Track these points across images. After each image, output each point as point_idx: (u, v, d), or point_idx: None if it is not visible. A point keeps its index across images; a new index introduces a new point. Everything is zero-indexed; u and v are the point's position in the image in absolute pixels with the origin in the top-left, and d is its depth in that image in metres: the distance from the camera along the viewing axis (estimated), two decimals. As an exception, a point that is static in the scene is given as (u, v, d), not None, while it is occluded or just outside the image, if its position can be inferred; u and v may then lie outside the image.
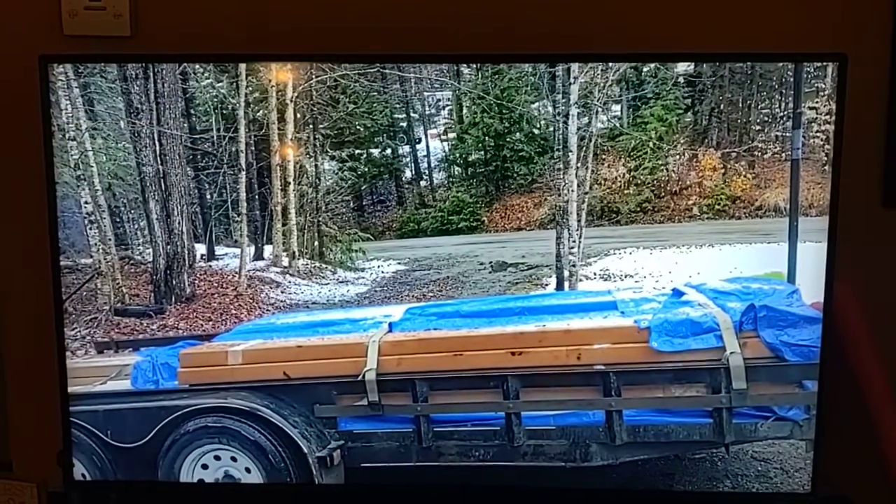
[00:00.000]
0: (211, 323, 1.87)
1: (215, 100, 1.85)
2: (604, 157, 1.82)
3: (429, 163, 1.92)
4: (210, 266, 1.90)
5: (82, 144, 1.83)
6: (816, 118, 1.73)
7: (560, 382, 1.79)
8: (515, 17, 1.84)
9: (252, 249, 1.91)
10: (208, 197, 1.88)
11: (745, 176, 1.80)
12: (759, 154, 1.79)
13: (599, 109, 1.81)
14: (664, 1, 1.84)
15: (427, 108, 1.90)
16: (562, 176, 1.83)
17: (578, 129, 1.81)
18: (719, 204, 1.81)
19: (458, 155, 1.90)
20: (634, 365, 1.78)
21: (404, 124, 1.91)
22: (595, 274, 1.86)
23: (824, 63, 1.71)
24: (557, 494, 1.87)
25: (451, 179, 1.91)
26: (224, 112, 1.85)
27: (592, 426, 1.80)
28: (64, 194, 1.81)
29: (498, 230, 1.90)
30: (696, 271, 1.81)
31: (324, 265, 1.91)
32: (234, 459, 1.86)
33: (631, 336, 1.78)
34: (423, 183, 1.93)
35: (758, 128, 1.81)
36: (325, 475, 1.84)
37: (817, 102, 1.72)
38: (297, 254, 1.91)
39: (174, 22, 1.89)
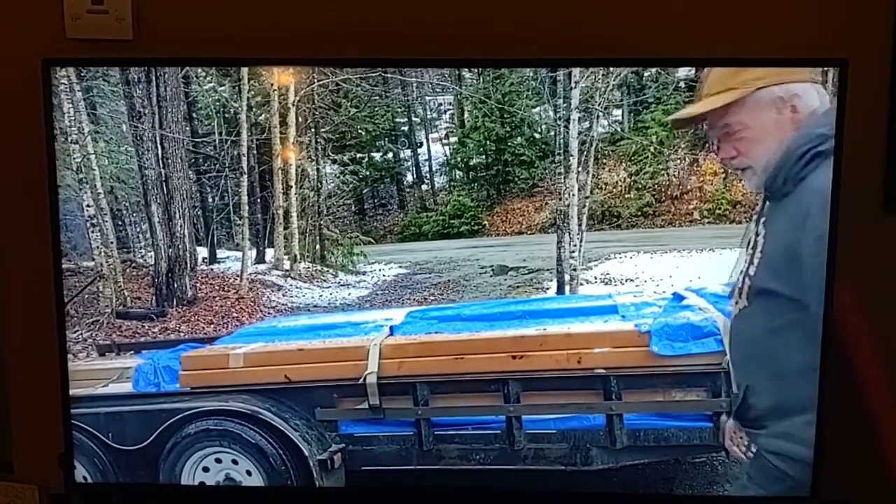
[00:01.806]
0: (212, 326, 1.88)
1: (217, 103, 1.86)
2: (605, 161, 1.83)
3: (430, 167, 1.92)
4: (212, 269, 1.91)
5: (84, 148, 1.83)
6: (817, 123, 1.73)
7: (561, 386, 1.79)
8: (517, 22, 1.85)
9: (254, 253, 1.92)
10: (210, 200, 1.88)
11: (746, 181, 1.80)
12: (760, 159, 1.79)
13: (600, 114, 1.81)
14: (665, 6, 1.84)
15: (429, 113, 1.90)
16: (563, 180, 1.83)
17: (579, 133, 1.81)
18: (720, 208, 1.81)
19: (459, 159, 1.91)
20: (635, 369, 1.78)
21: (406, 128, 1.91)
22: (596, 278, 1.86)
23: (825, 68, 1.71)
24: (558, 498, 1.87)
25: (452, 183, 1.92)
26: (226, 116, 1.85)
27: (593, 430, 1.81)
28: (66, 197, 1.82)
29: (499, 234, 1.90)
30: (696, 275, 1.81)
31: (325, 268, 1.91)
32: (235, 462, 1.87)
33: (631, 340, 1.78)
34: (424, 187, 1.93)
35: (759, 132, 1.81)
36: (325, 478, 1.84)
37: (818, 107, 1.73)
38: (298, 257, 1.91)
39: (177, 25, 1.89)
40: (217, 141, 1.86)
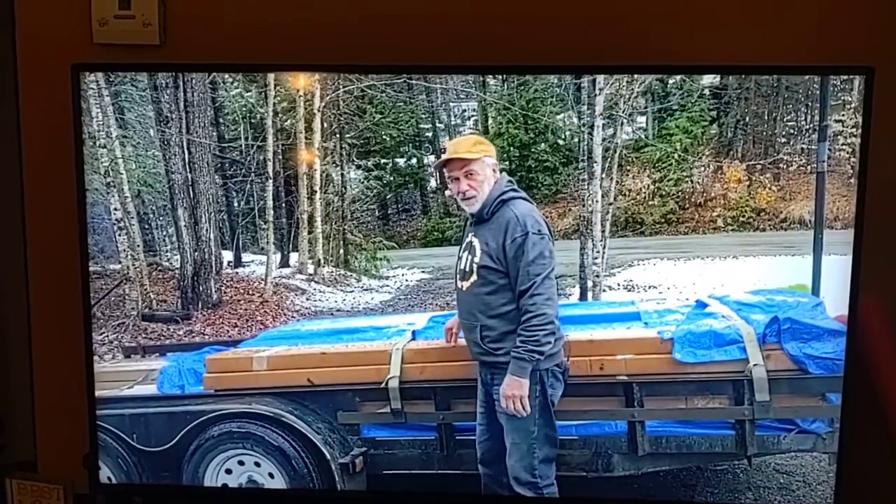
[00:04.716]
0: (237, 329, 1.89)
1: (244, 109, 1.87)
2: (628, 168, 1.83)
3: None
4: (237, 273, 1.92)
5: (112, 152, 1.85)
6: (842, 131, 1.73)
7: (582, 392, 1.79)
8: (541, 29, 1.85)
9: (278, 257, 1.93)
10: (236, 205, 1.90)
11: (769, 188, 1.80)
12: (785, 166, 1.79)
13: (624, 121, 1.81)
14: (690, 14, 1.84)
15: (453, 119, 1.91)
16: (586, 186, 1.83)
17: (603, 140, 1.81)
18: (744, 216, 1.80)
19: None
20: (657, 376, 1.78)
21: (430, 134, 1.92)
22: (619, 284, 1.86)
23: (851, 76, 1.70)
24: (579, 504, 1.87)
25: (475, 189, 1.92)
26: (252, 121, 1.87)
27: (615, 436, 1.81)
28: (94, 201, 1.84)
29: (522, 240, 1.90)
30: (719, 283, 1.81)
31: (348, 273, 1.92)
32: (257, 464, 1.88)
33: (654, 347, 1.78)
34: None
35: (783, 140, 1.81)
36: (347, 481, 1.85)
37: (843, 115, 1.72)
38: (322, 261, 1.92)
39: (203, 30, 1.91)
40: (243, 146, 1.88)
